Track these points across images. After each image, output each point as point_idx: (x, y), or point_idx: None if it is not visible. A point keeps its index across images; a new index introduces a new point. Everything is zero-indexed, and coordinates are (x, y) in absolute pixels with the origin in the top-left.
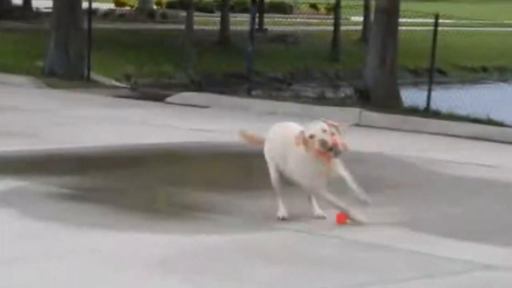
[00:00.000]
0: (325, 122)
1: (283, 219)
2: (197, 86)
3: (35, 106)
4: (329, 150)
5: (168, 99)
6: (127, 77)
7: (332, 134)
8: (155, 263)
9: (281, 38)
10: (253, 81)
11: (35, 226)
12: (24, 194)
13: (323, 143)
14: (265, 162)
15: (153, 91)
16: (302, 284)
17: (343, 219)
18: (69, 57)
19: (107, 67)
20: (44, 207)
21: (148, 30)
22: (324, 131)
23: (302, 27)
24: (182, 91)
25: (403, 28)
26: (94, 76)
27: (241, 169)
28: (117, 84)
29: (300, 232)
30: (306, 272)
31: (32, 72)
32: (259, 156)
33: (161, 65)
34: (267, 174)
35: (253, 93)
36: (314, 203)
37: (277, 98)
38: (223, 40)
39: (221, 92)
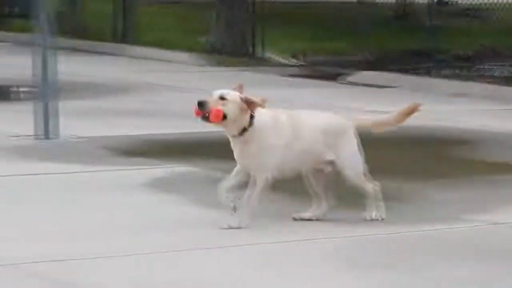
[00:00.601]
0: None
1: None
2: (373, 64)
3: (198, 86)
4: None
5: (342, 78)
6: (297, 54)
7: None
8: (335, 257)
9: (465, 12)
10: (436, 59)
11: (209, 215)
12: (192, 180)
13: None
14: (459, 148)
15: (325, 70)
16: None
17: None
18: (233, 33)
19: (274, 43)
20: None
21: (317, 3)
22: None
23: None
24: (357, 69)
25: None
26: (261, 52)
27: (431, 155)
28: (286, 61)
29: (486, 223)
30: (496, 269)
31: (195, 49)
32: (453, 141)
33: (334, 41)
34: (462, 161)
35: (437, 72)
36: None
37: (463, 78)
38: (401, 14)
39: (400, 71)
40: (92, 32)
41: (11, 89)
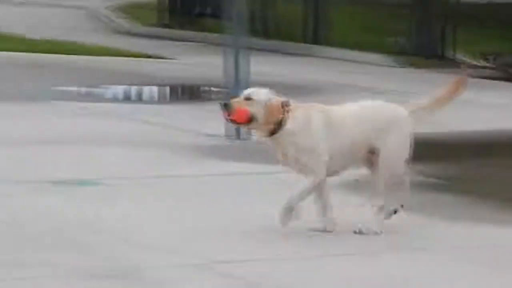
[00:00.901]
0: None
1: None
2: None
3: (388, 87)
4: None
5: None
6: (487, 56)
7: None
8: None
9: None
10: None
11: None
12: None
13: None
14: None
15: None
16: None
17: None
18: (424, 34)
19: (464, 44)
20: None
21: (508, 4)
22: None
23: None
24: None
25: None
26: (452, 54)
27: None
28: (476, 63)
29: None
30: None
31: (384, 50)
32: None
33: None
34: None
35: None
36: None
37: None
38: None
39: None
40: (284, 32)
41: (202, 88)
